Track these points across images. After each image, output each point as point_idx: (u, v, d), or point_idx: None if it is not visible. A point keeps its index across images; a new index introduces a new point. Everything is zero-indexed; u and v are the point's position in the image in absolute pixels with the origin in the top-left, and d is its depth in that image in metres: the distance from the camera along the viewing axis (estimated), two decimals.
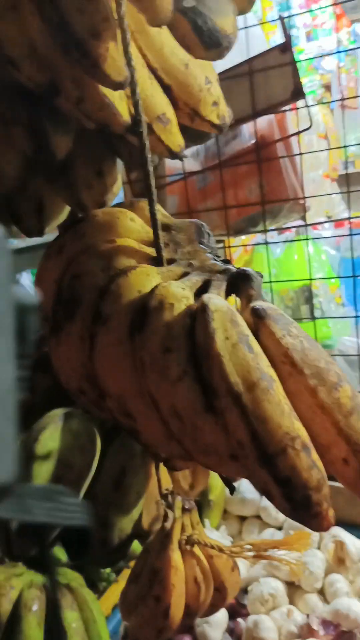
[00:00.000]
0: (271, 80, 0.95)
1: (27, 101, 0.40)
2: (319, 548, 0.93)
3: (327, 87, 2.80)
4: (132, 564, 0.89)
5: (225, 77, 1.00)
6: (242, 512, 1.05)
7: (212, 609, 0.64)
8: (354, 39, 2.59)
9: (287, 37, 0.95)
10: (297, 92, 0.93)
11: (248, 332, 0.33)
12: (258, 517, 1.03)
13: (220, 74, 0.99)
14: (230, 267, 0.39)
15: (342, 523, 0.96)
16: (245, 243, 1.35)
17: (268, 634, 0.78)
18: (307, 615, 0.80)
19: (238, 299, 0.38)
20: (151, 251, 0.39)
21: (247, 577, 0.91)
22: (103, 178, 0.48)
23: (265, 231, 1.05)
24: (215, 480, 1.03)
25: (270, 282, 1.19)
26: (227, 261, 0.40)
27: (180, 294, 0.35)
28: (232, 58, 0.99)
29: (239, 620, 0.84)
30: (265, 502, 1.04)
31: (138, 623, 0.60)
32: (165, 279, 0.37)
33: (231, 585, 0.61)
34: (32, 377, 0.63)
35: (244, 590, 0.89)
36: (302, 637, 0.78)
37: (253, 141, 0.99)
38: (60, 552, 0.88)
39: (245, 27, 0.97)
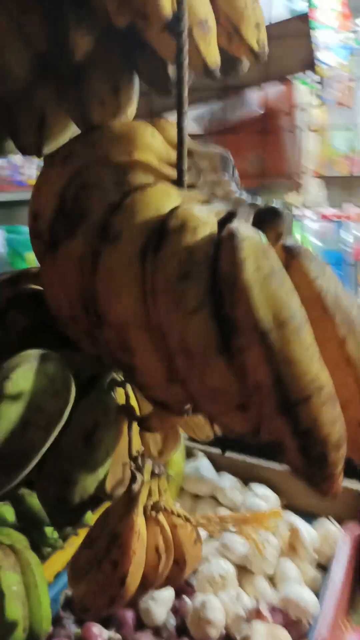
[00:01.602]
0: (286, 49, 0.91)
1: None
2: (273, 534, 0.91)
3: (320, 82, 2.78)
4: (82, 531, 0.85)
5: None
6: (198, 491, 1.02)
7: (168, 582, 0.60)
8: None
9: (309, 7, 0.91)
10: (310, 64, 0.90)
11: (281, 266, 0.29)
12: (213, 497, 1.01)
13: None
14: (260, 201, 0.35)
15: (298, 511, 0.95)
16: None
17: (215, 615, 0.75)
18: (257, 600, 0.78)
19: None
20: (172, 173, 0.35)
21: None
22: (118, 95, 0.43)
23: None
24: (175, 455, 1.00)
25: None
26: (253, 195, 0.36)
27: (204, 218, 0.31)
28: None
29: (185, 599, 0.81)
30: (223, 482, 1.01)
31: (89, 590, 0.56)
32: (187, 203, 0.33)
33: (191, 559, 0.58)
34: (5, 315, 0.57)
35: (193, 570, 0.86)
36: (249, 621, 0.76)
37: (259, 110, 0.95)
38: (8, 512, 0.83)
39: None
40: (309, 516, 0.94)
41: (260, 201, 0.35)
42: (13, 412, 0.45)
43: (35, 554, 0.81)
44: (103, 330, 0.32)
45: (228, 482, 1.01)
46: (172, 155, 0.36)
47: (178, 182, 0.35)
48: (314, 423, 0.27)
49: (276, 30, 0.92)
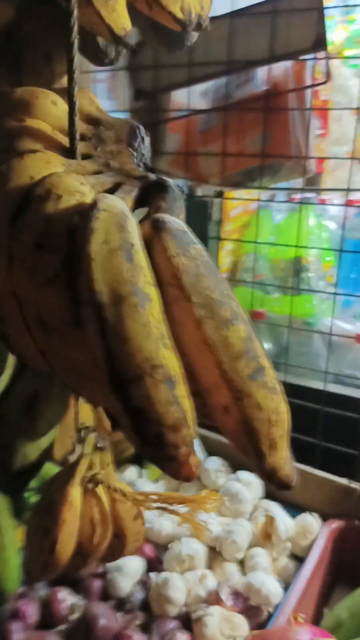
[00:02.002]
0: (294, 25, 0.87)
1: None
2: (249, 519, 0.90)
3: None
4: None
5: (247, 14, 0.92)
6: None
7: (112, 555, 0.61)
8: None
9: None
10: (319, 43, 0.86)
11: (136, 241, 0.28)
12: (198, 477, 1.01)
13: (241, 10, 0.92)
14: (151, 175, 0.34)
15: (279, 500, 0.94)
16: (246, 201, 1.29)
17: (175, 594, 0.76)
18: (218, 583, 0.78)
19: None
20: (67, 141, 0.34)
21: (172, 534, 0.89)
22: (51, 64, 0.43)
23: (261, 188, 0.99)
24: None
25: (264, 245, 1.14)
26: (152, 169, 0.35)
27: (74, 188, 0.30)
28: None
29: (151, 574, 0.82)
30: (208, 464, 1.01)
31: (29, 555, 0.57)
32: (71, 172, 0.32)
33: (132, 534, 0.58)
34: None
35: (165, 547, 0.87)
36: (208, 603, 0.76)
37: (265, 88, 0.92)
38: None
39: None
40: (297, 509, 0.93)
41: (155, 175, 0.34)
42: None
43: (12, 517, 0.84)
44: None
45: (213, 465, 1.00)
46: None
47: (70, 151, 0.34)
48: (146, 402, 0.26)
49: (284, 4, 0.88)
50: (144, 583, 0.83)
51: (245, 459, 0.33)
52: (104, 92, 1.17)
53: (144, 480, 0.99)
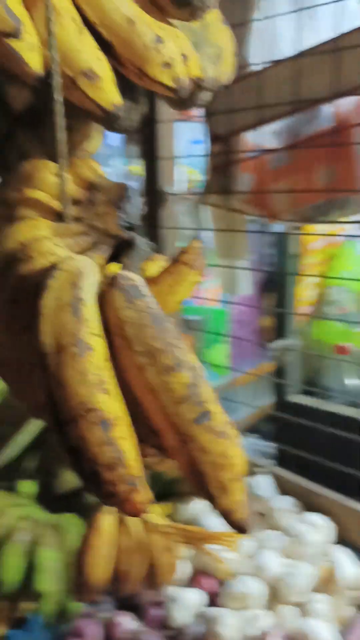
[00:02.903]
0: (357, 61, 0.86)
1: None
2: (315, 563, 0.87)
3: None
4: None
5: (310, 53, 0.93)
6: (255, 508, 1.01)
7: (149, 583, 0.64)
8: None
9: None
10: None
11: (86, 296, 0.32)
12: (263, 515, 0.99)
13: (305, 51, 0.94)
14: (127, 233, 0.38)
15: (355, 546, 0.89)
16: (330, 234, 1.27)
17: (224, 630, 0.75)
18: (268, 628, 0.76)
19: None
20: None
21: (234, 571, 0.88)
22: (70, 135, 0.49)
23: (333, 222, 0.98)
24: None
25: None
26: (131, 227, 0.39)
27: (48, 250, 0.35)
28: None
29: (207, 609, 0.82)
30: (277, 503, 0.99)
31: (73, 575, 0.62)
32: (58, 235, 0.37)
33: (163, 566, 0.61)
34: None
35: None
36: None
37: (331, 123, 0.91)
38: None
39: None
40: None
41: (129, 234, 0.38)
42: None
43: None
44: None
45: (283, 504, 0.98)
46: (72, 190, 0.40)
47: (61, 216, 0.39)
48: (81, 442, 0.29)
49: (347, 41, 0.88)
50: (204, 617, 0.84)
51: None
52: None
53: (210, 514, 1.00)
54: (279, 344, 1.23)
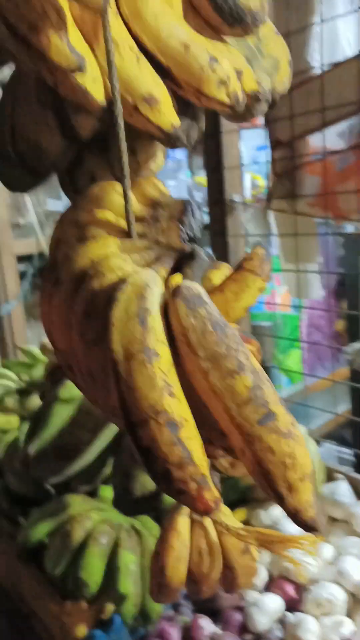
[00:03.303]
0: None
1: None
2: None
3: None
4: None
5: None
6: (333, 514, 1.00)
7: (227, 586, 0.65)
8: None
9: None
10: None
11: (152, 307, 0.34)
12: (348, 522, 0.97)
13: None
14: (189, 246, 0.40)
15: None
16: None
17: (306, 636, 0.75)
18: (350, 635, 0.75)
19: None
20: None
21: (314, 576, 0.88)
22: (135, 155, 0.52)
23: None
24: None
25: None
26: (193, 240, 0.41)
27: (117, 266, 0.37)
28: None
29: (288, 614, 0.82)
30: (358, 509, 0.97)
31: (150, 577, 0.64)
32: (125, 251, 0.40)
33: (241, 568, 0.61)
34: None
35: (307, 589, 0.86)
36: None
37: None
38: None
39: None
40: None
41: (190, 246, 0.40)
42: (65, 412, 0.57)
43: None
44: (56, 354, 0.42)
45: None
46: (137, 208, 0.43)
47: (128, 233, 0.42)
48: (152, 443, 0.32)
49: None
50: (283, 622, 0.84)
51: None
52: None
53: (287, 519, 1.00)
54: (353, 347, 1.20)
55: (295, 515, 0.34)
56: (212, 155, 1.24)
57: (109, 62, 0.38)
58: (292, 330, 2.23)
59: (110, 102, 0.40)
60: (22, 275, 2.08)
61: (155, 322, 0.34)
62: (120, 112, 0.39)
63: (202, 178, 2.55)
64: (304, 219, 1.12)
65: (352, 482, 1.03)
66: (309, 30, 1.01)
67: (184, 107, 0.45)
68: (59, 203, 2.18)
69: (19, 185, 0.58)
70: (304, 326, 2.29)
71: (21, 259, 2.10)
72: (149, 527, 0.97)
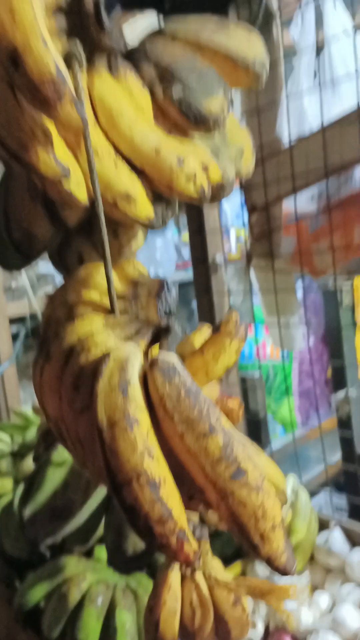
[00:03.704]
0: None
1: None
2: None
3: None
4: None
5: (338, 123, 1.01)
6: (328, 563, 1.01)
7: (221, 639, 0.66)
8: None
9: None
10: None
11: (131, 378, 0.39)
12: (343, 570, 0.99)
13: (334, 122, 1.01)
14: (165, 320, 0.45)
15: None
16: None
17: None
18: None
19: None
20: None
21: (311, 627, 0.88)
22: (118, 238, 0.58)
23: None
24: (299, 523, 1.02)
25: None
26: (169, 314, 0.46)
27: (100, 342, 0.42)
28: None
29: None
30: (352, 557, 0.99)
31: (144, 630, 0.66)
32: (108, 327, 0.45)
33: (233, 619, 0.63)
34: None
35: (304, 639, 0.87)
36: None
37: None
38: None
39: None
40: None
41: (165, 321, 0.45)
42: (57, 475, 0.60)
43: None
44: (48, 422, 0.46)
45: (357, 558, 0.98)
46: (119, 288, 0.49)
47: (111, 311, 0.47)
48: (134, 501, 0.36)
49: None
50: None
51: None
52: None
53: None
54: (338, 396, 1.24)
55: (269, 562, 0.38)
56: (194, 219, 1.31)
57: (91, 169, 0.44)
58: (283, 379, 2.27)
59: (93, 201, 0.46)
60: (15, 337, 2.13)
61: (135, 391, 0.38)
62: (101, 209, 0.45)
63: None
64: (283, 275, 1.19)
65: (346, 530, 1.05)
66: (277, 106, 1.11)
67: (157, 196, 0.51)
68: (50, 266, 2.26)
69: (12, 265, 0.63)
70: (295, 374, 2.33)
71: (13, 320, 2.15)
72: (145, 584, 0.98)
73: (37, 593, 0.87)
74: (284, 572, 0.38)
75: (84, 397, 0.41)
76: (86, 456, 0.41)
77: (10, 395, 1.92)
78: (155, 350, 0.44)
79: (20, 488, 0.90)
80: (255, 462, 0.39)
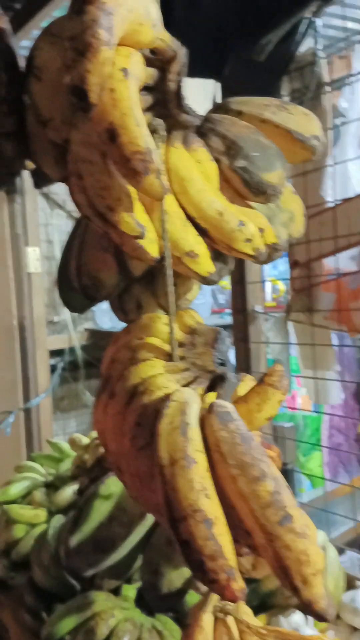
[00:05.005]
0: None
1: None
2: None
3: None
4: None
5: None
6: (354, 622, 1.00)
7: None
8: None
9: None
10: None
11: (191, 421, 0.42)
12: None
13: None
14: (221, 369, 0.49)
15: None
16: None
17: None
18: None
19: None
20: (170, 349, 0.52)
21: None
22: (176, 289, 0.62)
23: None
24: (327, 579, 1.02)
25: None
26: (223, 363, 0.50)
27: (162, 385, 0.46)
28: None
29: None
30: None
31: None
32: (169, 371, 0.49)
33: None
34: None
35: None
36: None
37: None
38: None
39: None
40: None
41: (221, 369, 0.49)
42: (104, 508, 0.63)
43: None
44: (107, 455, 0.49)
45: None
46: (178, 336, 0.53)
47: (171, 357, 0.51)
48: (190, 536, 0.39)
49: None
50: None
51: None
52: None
53: (309, 626, 1.00)
54: None
55: (308, 606, 0.40)
56: (237, 270, 1.37)
57: (163, 230, 0.50)
58: (313, 432, 2.25)
59: (162, 257, 0.51)
60: (53, 369, 2.20)
61: (194, 433, 0.42)
62: (169, 263, 0.50)
63: (225, 282, 2.72)
64: (321, 330, 1.22)
65: None
66: (324, 170, 1.17)
67: (218, 254, 0.56)
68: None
69: (77, 307, 0.69)
70: (325, 428, 2.31)
71: (53, 353, 2.23)
72: (170, 627, 0.98)
73: (65, 626, 0.89)
74: (322, 618, 0.40)
75: (146, 435, 0.44)
76: (143, 490, 0.45)
77: (44, 427, 1.97)
78: (210, 397, 0.48)
79: (57, 519, 0.93)
80: (301, 511, 0.41)
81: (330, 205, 1.13)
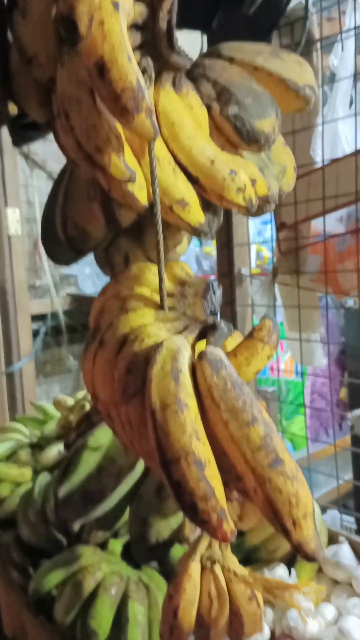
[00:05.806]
0: None
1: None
2: None
3: None
4: None
5: None
6: (335, 576, 1.03)
7: (233, 634, 0.69)
8: None
9: None
10: None
11: (183, 367, 0.42)
12: (350, 584, 1.00)
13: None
14: (211, 318, 0.48)
15: None
16: None
17: None
18: None
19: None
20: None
21: (316, 637, 0.90)
22: (165, 242, 0.61)
23: None
24: None
25: None
26: (214, 313, 0.49)
27: (153, 333, 0.46)
28: None
29: None
30: (359, 572, 1.00)
31: (161, 619, 0.69)
32: (159, 320, 0.49)
33: (248, 614, 0.66)
34: None
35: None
36: None
37: None
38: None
39: None
40: None
41: (212, 318, 0.48)
42: (92, 460, 0.63)
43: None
44: (97, 404, 0.49)
45: None
46: (168, 286, 0.52)
47: (161, 306, 0.50)
48: (182, 478, 0.39)
49: None
50: None
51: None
52: None
53: (292, 579, 1.03)
54: (354, 414, 1.27)
55: (298, 547, 0.40)
56: (223, 232, 1.35)
57: (152, 175, 0.48)
58: (296, 396, 2.29)
59: (152, 204, 0.49)
60: (35, 334, 2.18)
61: (186, 379, 0.42)
62: (159, 211, 0.49)
63: (209, 248, 2.70)
64: (307, 292, 1.22)
65: (354, 545, 1.07)
66: (314, 129, 1.15)
67: (208, 205, 0.55)
68: (74, 267, 2.32)
69: (63, 259, 0.67)
70: (307, 393, 2.35)
71: (35, 318, 2.21)
72: (156, 580, 1.00)
73: (52, 580, 0.90)
74: (312, 558, 0.41)
75: (137, 382, 0.44)
76: (134, 437, 0.45)
77: (27, 391, 1.96)
78: (200, 346, 0.48)
79: (42, 477, 0.93)
80: (290, 455, 0.42)
81: (319, 166, 1.12)
